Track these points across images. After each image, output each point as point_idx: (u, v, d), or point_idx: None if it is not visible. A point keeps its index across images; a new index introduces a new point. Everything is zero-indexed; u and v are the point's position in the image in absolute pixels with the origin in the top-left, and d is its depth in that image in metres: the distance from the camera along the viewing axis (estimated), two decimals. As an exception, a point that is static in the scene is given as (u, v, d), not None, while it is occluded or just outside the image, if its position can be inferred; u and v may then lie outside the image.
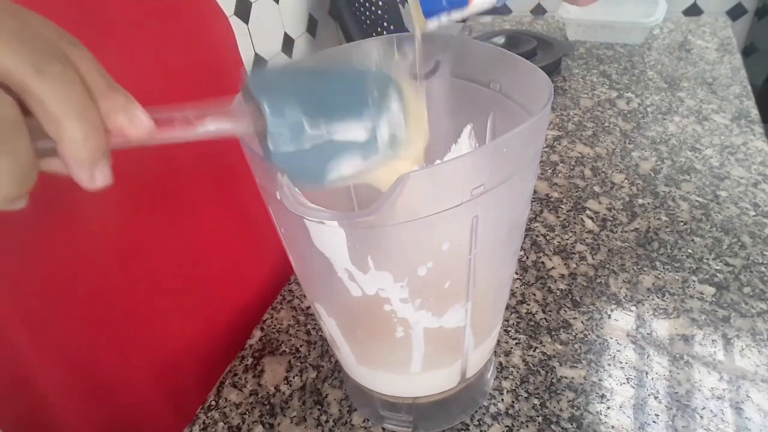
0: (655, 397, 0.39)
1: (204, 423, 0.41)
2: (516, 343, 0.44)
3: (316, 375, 0.43)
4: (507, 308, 0.47)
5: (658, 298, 0.47)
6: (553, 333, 0.45)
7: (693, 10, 1.81)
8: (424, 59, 0.34)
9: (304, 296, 0.51)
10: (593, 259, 0.51)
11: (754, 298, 0.46)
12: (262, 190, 0.27)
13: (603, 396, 0.40)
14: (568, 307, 0.47)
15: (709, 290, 0.47)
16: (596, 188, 0.61)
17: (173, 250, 0.45)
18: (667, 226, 0.54)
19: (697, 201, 0.57)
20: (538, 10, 1.98)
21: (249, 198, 0.50)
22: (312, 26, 1.68)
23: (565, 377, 0.41)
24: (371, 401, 0.38)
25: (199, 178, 0.46)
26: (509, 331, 0.45)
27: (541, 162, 0.66)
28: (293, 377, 0.43)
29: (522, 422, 0.38)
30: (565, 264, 0.51)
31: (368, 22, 1.66)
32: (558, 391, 0.40)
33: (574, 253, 0.52)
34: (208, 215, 0.47)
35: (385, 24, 1.74)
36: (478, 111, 0.34)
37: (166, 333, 0.46)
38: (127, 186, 0.40)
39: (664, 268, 0.50)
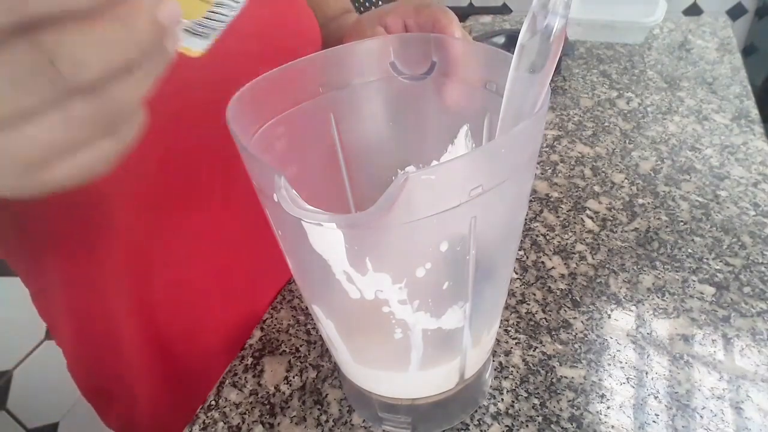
0: (655, 397, 0.39)
1: (204, 423, 0.41)
2: (516, 343, 0.44)
3: (316, 375, 0.43)
4: (507, 308, 0.47)
5: (658, 298, 0.47)
6: (553, 333, 0.45)
7: (693, 10, 1.81)
8: (419, 60, 0.34)
9: (304, 297, 0.51)
10: (593, 258, 0.51)
11: (754, 298, 0.46)
12: (259, 192, 0.27)
13: (603, 396, 0.40)
14: (568, 307, 0.47)
15: (709, 290, 0.47)
16: (596, 188, 0.61)
17: (177, 248, 0.45)
18: (667, 226, 0.54)
19: (697, 201, 0.57)
20: (539, 10, 1.97)
21: (247, 197, 0.50)
22: (312, 27, 1.67)
23: (565, 377, 0.41)
24: (369, 403, 0.38)
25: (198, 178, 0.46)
26: (509, 330, 0.45)
27: (541, 162, 0.66)
28: (293, 377, 0.43)
29: (522, 422, 0.38)
30: (565, 264, 0.51)
31: (368, 22, 1.66)
32: (558, 391, 0.40)
33: (574, 253, 0.52)
34: (207, 215, 0.47)
35: (385, 24, 1.74)
36: (474, 112, 0.34)
37: (165, 333, 0.46)
38: (131, 188, 0.40)
39: (664, 267, 0.50)
